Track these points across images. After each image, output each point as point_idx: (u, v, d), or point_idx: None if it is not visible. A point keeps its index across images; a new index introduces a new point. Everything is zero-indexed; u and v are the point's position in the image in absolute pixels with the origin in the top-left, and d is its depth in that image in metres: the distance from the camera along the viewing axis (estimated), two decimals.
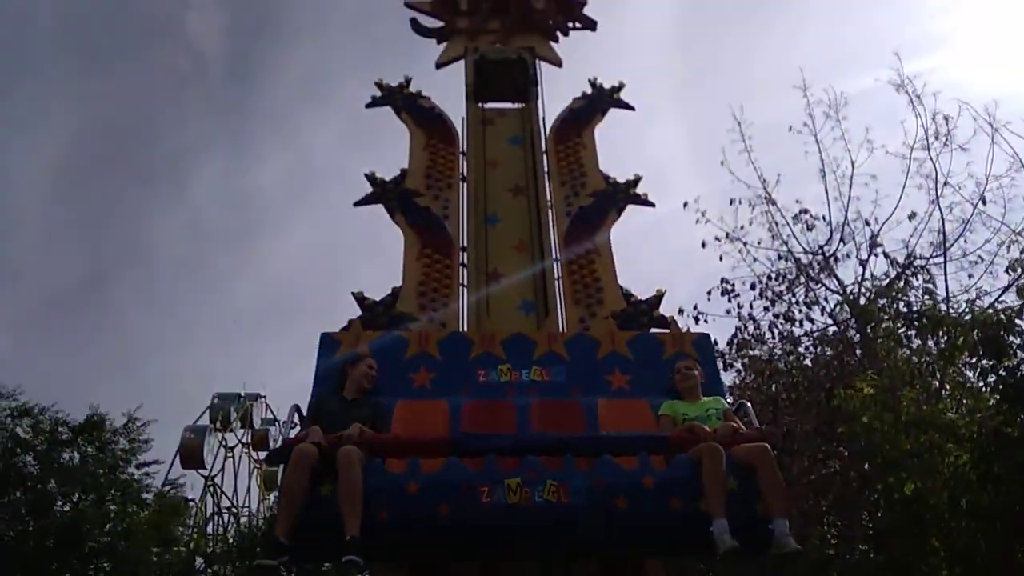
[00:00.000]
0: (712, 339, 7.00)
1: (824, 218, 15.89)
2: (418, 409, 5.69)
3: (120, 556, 16.94)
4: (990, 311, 9.45)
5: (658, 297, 7.27)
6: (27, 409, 17.97)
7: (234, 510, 27.57)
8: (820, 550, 10.48)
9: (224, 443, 28.66)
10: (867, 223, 15.47)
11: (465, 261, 7.61)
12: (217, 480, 27.47)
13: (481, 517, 4.61)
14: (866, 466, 11.58)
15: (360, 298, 7.05)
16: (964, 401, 10.75)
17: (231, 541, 22.68)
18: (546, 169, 8.42)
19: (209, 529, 25.41)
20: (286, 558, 4.54)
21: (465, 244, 7.73)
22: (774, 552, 4.63)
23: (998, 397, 8.62)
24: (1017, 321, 8.43)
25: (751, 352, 14.96)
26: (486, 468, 4.73)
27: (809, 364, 14.60)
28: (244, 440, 29.76)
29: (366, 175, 7.93)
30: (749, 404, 5.80)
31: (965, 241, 14.82)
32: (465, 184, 8.22)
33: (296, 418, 5.60)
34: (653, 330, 7.17)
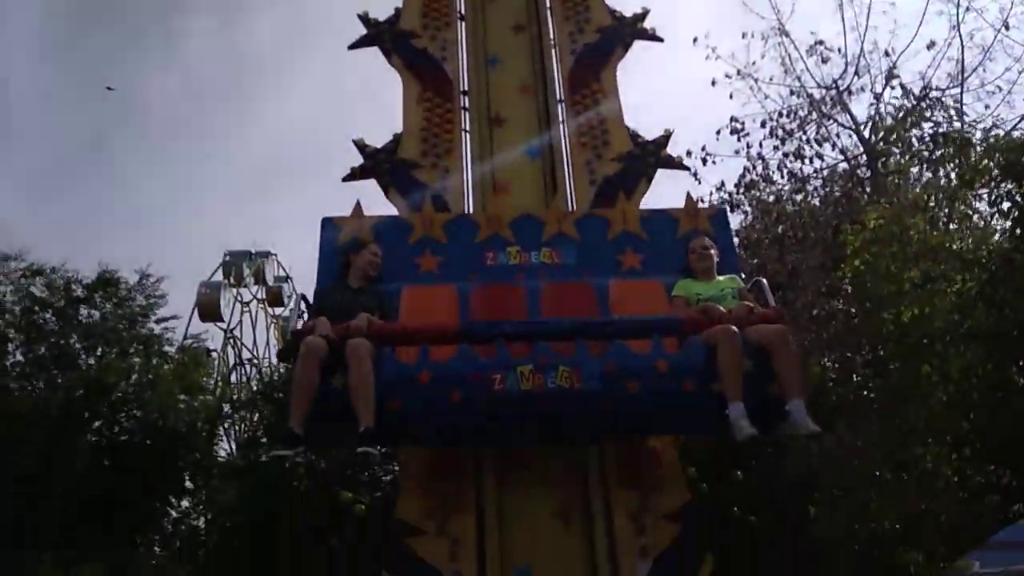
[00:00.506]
0: (727, 213, 6.77)
1: (839, 50, 15.30)
2: (426, 295, 5.59)
3: (147, 404, 17.77)
4: (1013, 136, 9.27)
5: (666, 137, 7.08)
6: (39, 269, 18.25)
7: (255, 362, 28.62)
8: (820, 377, 10.88)
9: (239, 298, 29.31)
10: (886, 53, 14.91)
11: (466, 105, 7.38)
12: (236, 333, 28.33)
13: (494, 405, 4.61)
14: (867, 304, 11.79)
15: (361, 145, 6.89)
16: (970, 232, 10.77)
17: (255, 389, 23.65)
18: (548, 4, 7.97)
19: (233, 379, 26.47)
20: (301, 448, 4.59)
21: (466, 87, 7.46)
22: (790, 433, 4.61)
23: (1010, 223, 8.61)
24: None
25: (759, 194, 14.86)
26: (498, 355, 4.68)
27: (817, 204, 14.52)
28: (258, 296, 30.41)
29: (359, 16, 7.55)
30: (765, 281, 5.67)
31: (984, 70, 14.33)
32: (463, 23, 7.82)
33: (303, 306, 5.54)
34: (661, 170, 7.05)
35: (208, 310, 26.78)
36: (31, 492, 16.16)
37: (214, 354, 25.23)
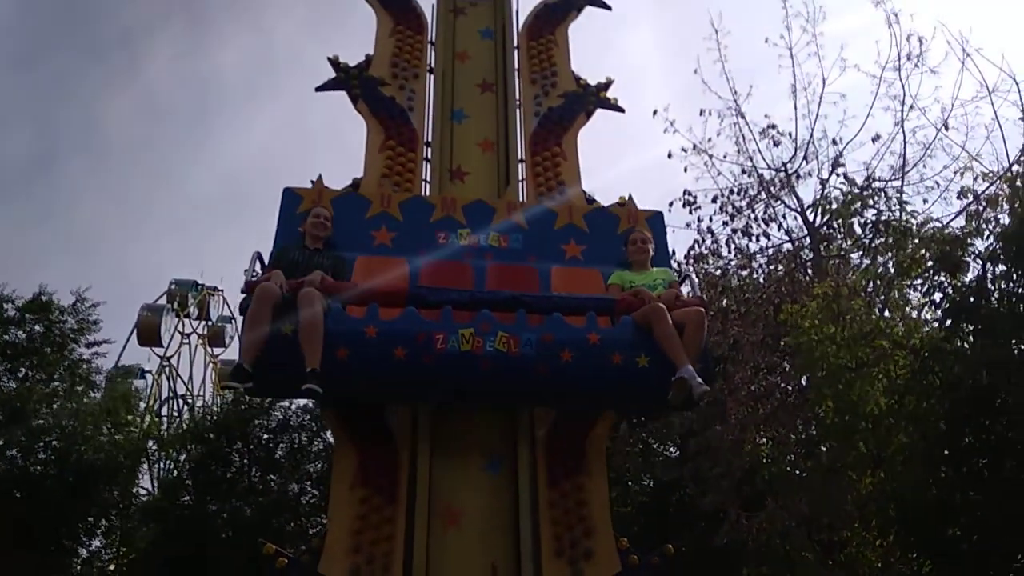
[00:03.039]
0: (664, 218, 7.08)
1: (790, 135, 15.97)
2: (378, 265, 5.89)
3: (67, 435, 16.96)
4: (948, 230, 9.75)
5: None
6: None
7: (188, 398, 27.69)
8: (753, 454, 11.00)
9: (180, 328, 28.50)
10: (833, 142, 15.60)
11: (429, 156, 7.45)
12: (173, 362, 27.43)
13: (435, 362, 4.86)
14: (804, 380, 12.06)
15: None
16: (903, 320, 11.17)
17: (185, 426, 22.84)
18: (516, 66, 8.18)
19: (163, 412, 25.51)
20: (250, 384, 4.76)
21: (429, 139, 7.55)
22: (674, 395, 4.93)
23: (941, 313, 8.97)
24: (969, 241, 8.75)
25: (707, 267, 15.21)
26: (442, 318, 4.98)
27: (761, 280, 14.93)
28: (199, 332, 29.62)
29: (329, 59, 7.62)
30: (694, 274, 6.09)
31: (924, 166, 15.10)
32: (432, 76, 7.95)
33: (257, 265, 5.66)
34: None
35: (147, 333, 26.00)
36: None
37: (148, 376, 24.33)
